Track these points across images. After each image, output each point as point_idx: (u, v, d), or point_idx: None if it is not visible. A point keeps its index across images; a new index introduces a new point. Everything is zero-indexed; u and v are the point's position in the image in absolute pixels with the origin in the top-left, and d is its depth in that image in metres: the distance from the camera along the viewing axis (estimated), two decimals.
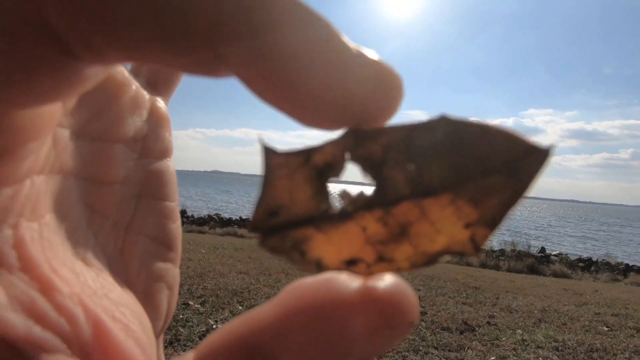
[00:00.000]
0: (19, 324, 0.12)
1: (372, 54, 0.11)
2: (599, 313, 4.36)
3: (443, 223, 0.11)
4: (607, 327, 3.87)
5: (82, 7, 0.09)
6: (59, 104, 0.13)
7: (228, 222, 10.81)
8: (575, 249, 13.09)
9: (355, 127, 0.11)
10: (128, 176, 0.19)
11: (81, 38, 0.10)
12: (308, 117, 0.10)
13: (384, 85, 0.11)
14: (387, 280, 0.10)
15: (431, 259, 0.12)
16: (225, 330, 0.10)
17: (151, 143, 0.20)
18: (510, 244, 9.75)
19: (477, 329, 3.53)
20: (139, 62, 0.11)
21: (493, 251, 9.06)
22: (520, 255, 8.65)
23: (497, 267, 7.75)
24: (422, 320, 3.59)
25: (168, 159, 0.21)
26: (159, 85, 0.21)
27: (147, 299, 0.18)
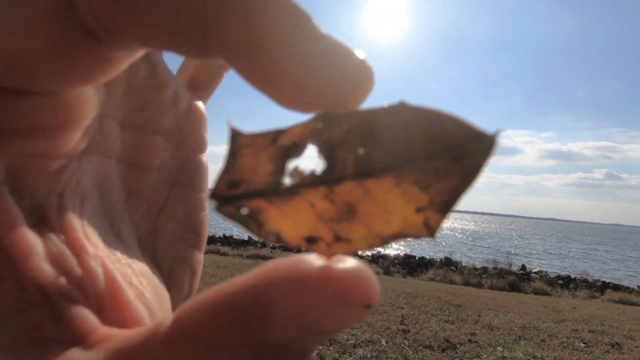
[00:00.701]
0: (50, 273, 0.13)
1: (345, 44, 0.12)
2: (576, 330, 4.45)
3: (392, 205, 0.12)
4: (584, 343, 3.96)
5: (111, 3, 0.11)
6: (98, 93, 0.15)
7: (211, 240, 10.65)
8: (554, 267, 13.36)
9: (327, 111, 0.12)
10: (163, 165, 0.21)
11: (103, 25, 0.12)
12: (285, 99, 0.12)
13: (355, 72, 0.12)
14: (348, 261, 0.11)
15: (386, 240, 0.12)
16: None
17: (187, 137, 0.22)
18: (492, 262, 9.91)
19: (458, 346, 3.56)
20: (148, 46, 0.12)
21: (475, 269, 9.18)
22: (502, 273, 8.79)
23: (479, 285, 7.85)
24: (405, 339, 3.60)
25: (202, 153, 0.23)
26: (199, 86, 0.23)
27: (171, 278, 0.20)
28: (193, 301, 0.11)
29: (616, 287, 8.72)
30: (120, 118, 0.19)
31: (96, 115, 0.16)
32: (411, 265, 9.49)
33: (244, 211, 0.12)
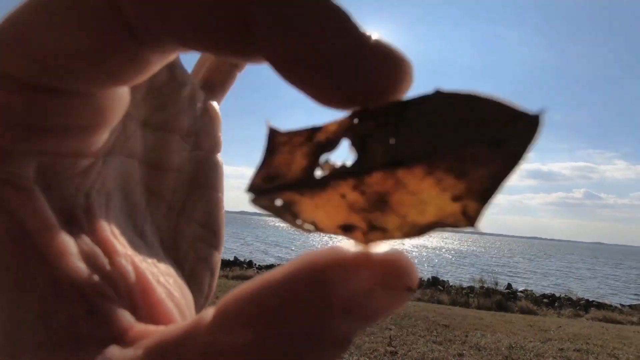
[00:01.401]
0: (84, 271, 0.14)
1: (385, 41, 0.12)
2: (562, 349, 4.47)
3: (426, 194, 0.11)
4: None
5: (150, 4, 0.12)
6: (127, 93, 0.15)
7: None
8: (539, 286, 13.49)
9: (364, 107, 0.12)
10: (182, 165, 0.21)
11: (146, 26, 0.12)
12: (324, 96, 0.12)
13: (394, 68, 0.12)
14: (386, 248, 0.11)
15: (423, 230, 0.12)
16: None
17: (203, 137, 0.22)
18: (479, 281, 9.95)
19: None
20: (189, 48, 0.13)
21: (462, 288, 9.19)
22: (488, 292, 8.81)
23: (466, 304, 7.84)
24: None
25: (217, 154, 0.23)
26: (213, 87, 0.23)
27: (192, 279, 0.20)
28: (233, 293, 0.11)
29: (599, 306, 8.83)
30: (141, 118, 0.19)
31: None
32: None
33: (278, 203, 0.13)
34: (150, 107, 0.19)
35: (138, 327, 0.13)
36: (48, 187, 0.14)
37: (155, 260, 0.17)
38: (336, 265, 0.11)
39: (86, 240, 0.14)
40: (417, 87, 0.12)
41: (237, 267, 9.66)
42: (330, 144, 0.12)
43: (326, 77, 0.11)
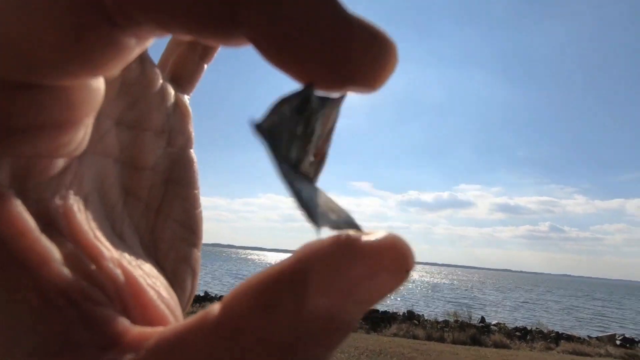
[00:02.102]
0: (73, 278, 0.13)
1: (371, 22, 0.12)
2: None
3: None
4: None
5: None
6: (102, 87, 0.15)
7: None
8: (510, 318, 13.65)
9: (352, 90, 0.12)
10: (157, 163, 0.21)
11: (120, 6, 0.11)
12: (307, 80, 0.12)
13: (380, 50, 0.12)
14: (382, 232, 0.11)
15: None
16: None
17: (176, 134, 0.21)
18: (453, 315, 9.96)
19: None
20: (167, 31, 0.13)
21: (437, 322, 9.16)
22: (462, 326, 8.83)
23: (441, 339, 7.80)
24: None
25: (191, 149, 0.22)
26: (181, 80, 0.23)
27: (175, 279, 0.20)
28: (238, 288, 0.11)
29: (569, 338, 9.00)
30: (114, 116, 0.18)
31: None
32: (374, 320, 9.30)
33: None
34: (123, 104, 0.19)
35: (134, 330, 0.13)
36: (23, 191, 0.13)
37: (139, 262, 0.17)
38: (343, 252, 0.11)
39: (68, 245, 0.14)
40: (390, 121, 0.14)
41: (208, 302, 9.28)
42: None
43: (315, 59, 0.11)
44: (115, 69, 0.13)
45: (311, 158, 0.13)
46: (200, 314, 0.11)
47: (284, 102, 0.12)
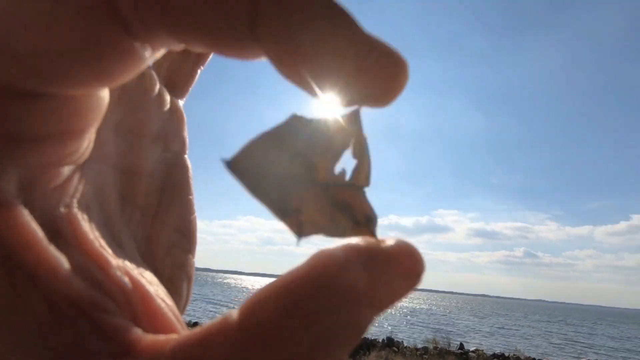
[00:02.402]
0: (81, 287, 0.13)
1: (382, 40, 0.12)
2: None
3: None
4: None
5: None
6: (107, 94, 0.14)
7: None
8: (487, 344, 13.71)
9: (364, 105, 0.13)
10: (154, 169, 0.21)
11: (141, 18, 0.12)
12: (324, 95, 0.12)
13: (392, 67, 0.12)
14: (396, 240, 0.12)
15: None
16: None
17: (172, 138, 0.22)
18: (432, 342, 9.95)
19: None
20: (184, 43, 0.13)
21: (417, 349, 9.12)
22: (442, 353, 8.82)
23: None
24: None
25: (185, 154, 0.22)
26: (175, 86, 0.23)
27: (171, 285, 0.20)
28: (258, 293, 0.12)
29: None
30: (113, 123, 0.18)
31: None
32: None
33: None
34: (123, 110, 0.19)
35: (147, 338, 0.13)
36: (29, 200, 0.13)
37: (140, 270, 0.17)
38: (362, 260, 0.11)
39: (76, 254, 0.14)
40: (371, 147, 0.14)
41: None
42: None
43: (332, 76, 0.12)
44: (127, 78, 0.13)
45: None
46: (219, 320, 0.12)
47: (267, 135, 0.13)
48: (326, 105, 0.13)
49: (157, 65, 0.23)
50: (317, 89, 0.12)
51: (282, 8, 0.11)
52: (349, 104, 0.13)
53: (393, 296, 0.12)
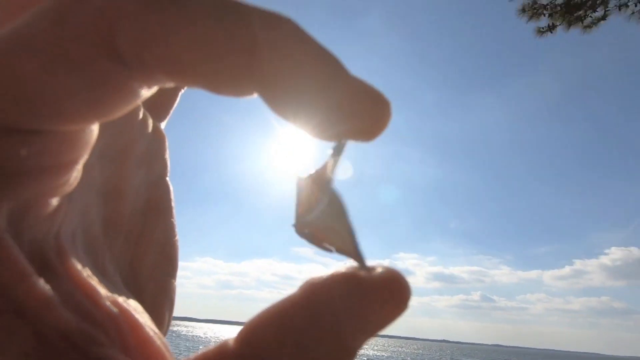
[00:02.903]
0: (73, 320, 0.13)
1: (366, 81, 0.14)
2: None
3: None
4: None
5: (148, 37, 0.12)
6: (97, 127, 0.14)
7: None
8: None
9: (348, 140, 0.14)
10: (137, 192, 0.21)
11: (140, 58, 0.12)
12: (315, 131, 0.14)
13: (376, 106, 0.14)
14: (385, 267, 0.13)
15: None
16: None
17: (154, 162, 0.22)
18: None
19: None
20: (181, 82, 0.13)
21: None
22: None
23: None
24: None
25: (166, 177, 0.23)
26: (157, 108, 0.23)
27: (153, 312, 0.19)
28: (254, 321, 0.12)
29: None
30: (99, 148, 0.18)
31: None
32: None
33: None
34: (108, 135, 0.19)
35: None
36: (18, 233, 0.13)
37: (125, 298, 0.16)
38: (353, 288, 0.12)
39: (64, 285, 0.14)
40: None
41: None
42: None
43: (322, 114, 0.13)
44: (122, 114, 0.13)
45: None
46: (215, 347, 0.13)
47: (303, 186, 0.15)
48: (312, 138, 0.14)
49: None
50: (306, 125, 0.14)
51: (280, 56, 0.12)
52: (335, 138, 0.14)
53: (382, 322, 0.12)
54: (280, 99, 0.13)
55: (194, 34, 0.12)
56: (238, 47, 0.12)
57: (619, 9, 5.02)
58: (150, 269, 0.21)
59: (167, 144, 0.23)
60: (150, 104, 0.22)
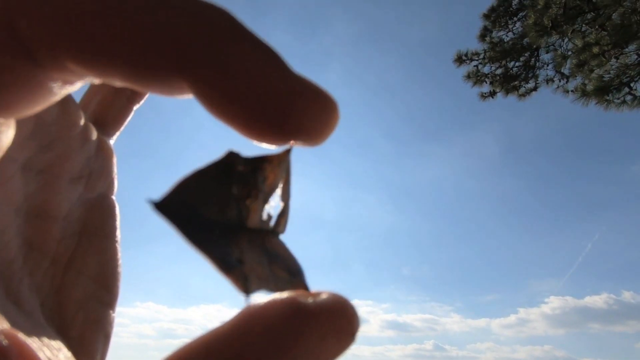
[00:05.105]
0: None
1: (312, 80, 0.12)
2: None
3: None
4: None
5: (51, 20, 0.10)
6: (11, 129, 0.13)
7: None
8: None
9: (295, 143, 0.13)
10: (71, 212, 0.19)
11: (47, 48, 0.11)
12: (256, 133, 0.12)
13: (323, 107, 0.12)
14: (330, 294, 0.11)
15: None
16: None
17: (96, 179, 0.20)
18: None
19: None
20: (100, 76, 0.11)
21: None
22: None
23: None
24: None
25: (112, 195, 0.21)
26: (106, 122, 0.21)
27: (82, 346, 0.17)
28: (184, 349, 0.11)
29: None
30: (21, 160, 0.17)
31: None
32: None
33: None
34: (35, 146, 0.17)
35: None
36: None
37: (38, 333, 0.15)
38: (291, 316, 0.11)
39: None
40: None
41: None
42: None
43: (261, 114, 0.11)
44: (32, 111, 0.12)
45: (267, 212, 0.14)
46: None
47: (201, 173, 0.12)
48: (256, 143, 0.12)
49: (87, 99, 0.21)
50: (245, 127, 0.12)
51: (210, 47, 0.11)
52: (279, 142, 0.12)
53: (325, 356, 0.11)
54: (212, 96, 0.11)
55: (108, 12, 0.10)
56: (160, 30, 0.11)
57: (547, 83, 5.82)
58: (80, 298, 0.18)
59: (115, 160, 0.21)
60: (98, 116, 0.21)
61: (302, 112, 0.12)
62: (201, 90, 0.11)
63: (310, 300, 0.11)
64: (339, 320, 0.11)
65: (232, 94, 0.11)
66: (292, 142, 0.13)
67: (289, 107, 0.12)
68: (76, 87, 0.12)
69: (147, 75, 0.11)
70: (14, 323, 0.13)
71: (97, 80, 0.12)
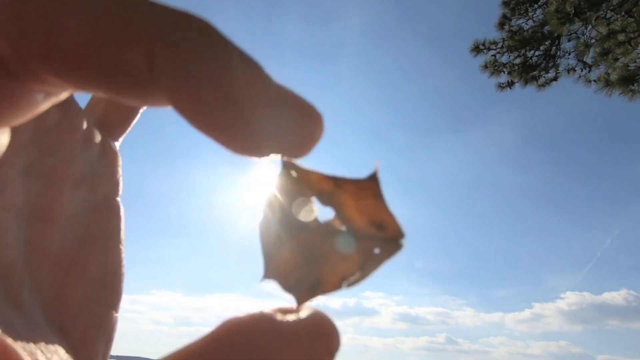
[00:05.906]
0: None
1: (295, 92, 0.12)
2: None
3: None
4: None
5: (22, 35, 0.10)
6: (5, 137, 0.13)
7: None
8: None
9: (281, 156, 0.12)
10: (74, 214, 0.19)
11: (22, 62, 0.11)
12: (238, 146, 0.12)
13: (307, 119, 0.12)
14: (311, 311, 0.11)
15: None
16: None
17: (100, 181, 0.20)
18: None
19: None
20: (79, 89, 0.11)
21: None
22: None
23: None
24: None
25: (117, 197, 0.21)
26: (112, 126, 0.21)
27: (83, 347, 0.17)
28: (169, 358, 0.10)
29: None
30: (23, 166, 0.17)
31: None
32: None
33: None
34: (37, 151, 0.17)
35: None
36: None
37: (35, 336, 0.15)
38: (267, 332, 0.10)
39: None
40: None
41: None
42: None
43: (240, 126, 0.11)
44: (16, 122, 0.12)
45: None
46: None
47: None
48: (237, 155, 0.12)
49: (93, 102, 0.22)
50: (223, 139, 0.12)
51: (180, 53, 0.11)
52: (260, 154, 0.12)
53: None
54: (190, 105, 0.11)
55: (80, 23, 0.10)
56: (134, 41, 0.10)
57: (568, 72, 5.62)
58: (82, 300, 0.18)
59: (119, 162, 0.21)
60: (104, 120, 0.21)
61: (283, 123, 0.12)
62: (177, 101, 0.11)
63: (289, 317, 0.11)
64: (317, 340, 0.11)
65: (207, 106, 0.11)
66: (273, 154, 0.12)
67: (271, 119, 0.11)
68: (61, 98, 0.12)
69: (123, 88, 0.11)
70: (9, 325, 0.13)
71: (77, 92, 0.12)
